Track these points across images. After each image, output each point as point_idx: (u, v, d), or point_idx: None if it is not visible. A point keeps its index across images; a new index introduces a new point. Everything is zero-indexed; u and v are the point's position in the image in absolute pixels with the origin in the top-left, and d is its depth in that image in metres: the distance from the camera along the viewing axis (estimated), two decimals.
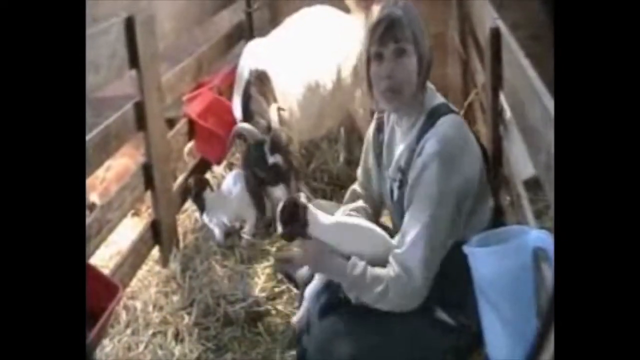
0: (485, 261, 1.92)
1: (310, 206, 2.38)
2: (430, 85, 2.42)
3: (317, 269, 2.48)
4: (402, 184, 2.36)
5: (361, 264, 2.29)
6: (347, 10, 4.32)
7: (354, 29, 4.16)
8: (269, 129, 3.34)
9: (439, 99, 2.40)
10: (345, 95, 4.07)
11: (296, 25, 4.16)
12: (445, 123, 2.27)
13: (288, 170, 3.36)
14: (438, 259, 2.22)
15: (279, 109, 3.42)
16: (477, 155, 2.31)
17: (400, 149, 2.43)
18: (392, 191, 2.45)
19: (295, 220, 2.35)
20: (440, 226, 2.20)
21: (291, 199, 2.41)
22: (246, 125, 3.37)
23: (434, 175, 2.19)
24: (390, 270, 2.25)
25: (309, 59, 3.85)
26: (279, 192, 3.30)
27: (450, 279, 2.24)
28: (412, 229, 2.23)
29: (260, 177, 3.37)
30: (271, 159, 3.29)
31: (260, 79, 3.57)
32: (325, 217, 2.39)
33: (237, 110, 3.68)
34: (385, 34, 2.27)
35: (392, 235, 2.53)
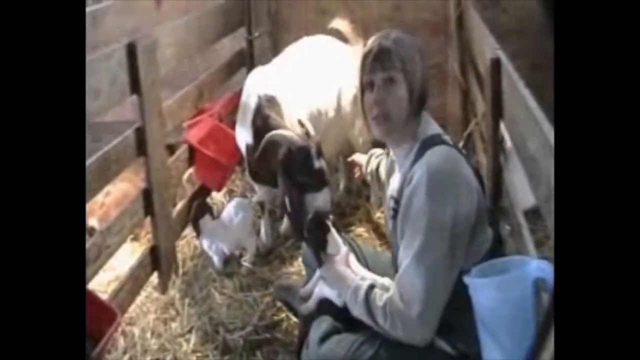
0: (486, 292, 1.91)
1: (333, 230, 2.62)
2: (427, 116, 2.44)
3: (330, 282, 2.54)
4: (395, 214, 2.36)
5: (368, 282, 2.36)
6: (345, 40, 4.36)
7: (352, 58, 4.18)
8: (307, 134, 3.30)
9: (435, 129, 2.40)
10: (345, 124, 4.08)
11: (297, 54, 4.18)
12: (434, 154, 2.27)
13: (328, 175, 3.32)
14: (439, 291, 2.20)
15: (300, 122, 3.38)
16: (470, 186, 2.27)
17: (395, 178, 2.45)
18: (388, 221, 2.47)
19: (320, 229, 2.59)
20: (432, 257, 2.18)
21: (317, 216, 2.64)
22: (282, 131, 3.27)
23: (420, 206, 2.19)
24: (391, 291, 2.27)
25: (311, 88, 3.85)
26: (322, 197, 3.25)
27: (449, 307, 2.23)
28: (405, 260, 2.24)
29: (303, 184, 3.29)
30: (317, 164, 3.24)
31: (271, 103, 3.56)
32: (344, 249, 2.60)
33: (242, 139, 3.67)
34: (374, 63, 2.34)
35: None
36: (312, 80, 3.90)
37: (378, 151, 3.06)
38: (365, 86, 2.39)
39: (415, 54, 2.37)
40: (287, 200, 3.22)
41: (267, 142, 3.25)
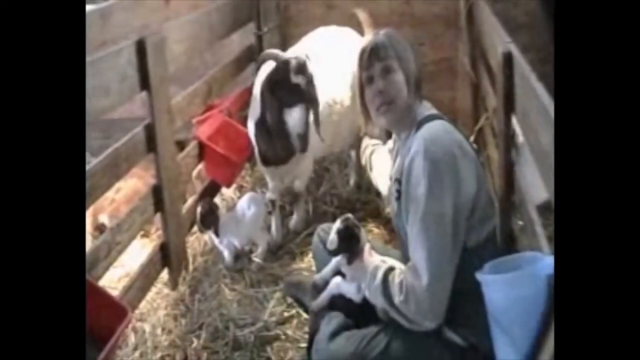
0: (498, 288, 1.91)
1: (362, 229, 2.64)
2: (426, 102, 2.56)
3: (354, 274, 2.58)
4: (399, 195, 2.40)
5: (388, 264, 2.45)
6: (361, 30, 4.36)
7: None
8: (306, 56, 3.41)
9: (431, 111, 2.52)
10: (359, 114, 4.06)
11: (312, 43, 4.18)
12: (431, 126, 2.37)
13: (309, 94, 3.37)
14: (446, 259, 2.25)
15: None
16: (468, 155, 2.35)
17: (398, 162, 2.50)
18: (393, 205, 2.52)
19: (353, 239, 2.56)
20: (437, 220, 2.24)
21: (351, 221, 2.62)
22: (271, 50, 3.47)
23: (420, 173, 2.26)
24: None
25: (326, 75, 3.81)
26: (296, 113, 3.26)
27: (459, 299, 2.25)
28: (413, 229, 2.30)
29: (280, 99, 3.34)
30: (294, 79, 3.30)
31: None
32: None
33: (253, 131, 3.69)
34: (371, 57, 2.48)
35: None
36: (327, 68, 3.87)
37: (374, 141, 3.20)
38: (365, 82, 2.51)
39: (406, 45, 2.53)
40: (268, 118, 3.28)
41: (260, 58, 3.45)
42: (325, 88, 3.79)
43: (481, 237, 2.34)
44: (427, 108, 2.52)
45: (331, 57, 3.98)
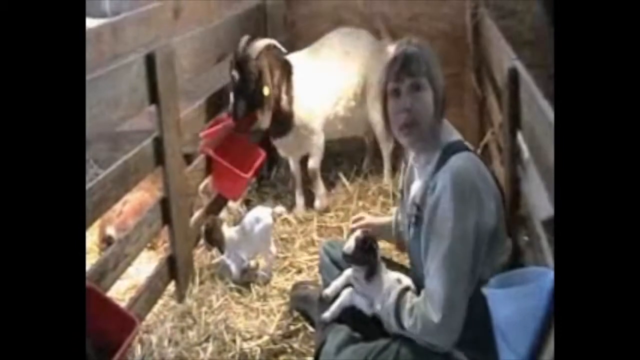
0: (505, 303, 1.91)
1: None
2: (447, 122, 2.47)
3: (364, 290, 2.57)
4: (417, 220, 2.38)
5: (403, 285, 2.44)
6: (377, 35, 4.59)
7: (382, 50, 4.32)
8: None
9: (456, 135, 2.44)
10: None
11: (328, 40, 4.65)
12: (458, 159, 2.30)
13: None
14: (462, 297, 2.23)
15: None
16: (492, 191, 2.33)
17: (416, 185, 2.45)
18: (409, 228, 2.48)
19: (370, 252, 2.55)
20: (459, 259, 2.22)
21: (370, 233, 2.62)
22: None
23: (447, 209, 2.23)
24: (421, 296, 2.33)
25: (335, 70, 4.39)
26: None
27: (469, 326, 2.25)
28: (432, 263, 2.27)
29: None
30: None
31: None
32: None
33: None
34: (401, 70, 2.35)
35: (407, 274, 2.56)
36: (336, 64, 4.44)
37: None
38: (390, 93, 2.39)
39: (436, 60, 2.42)
40: None
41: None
42: (333, 81, 4.40)
43: (494, 269, 2.32)
44: (449, 131, 2.44)
45: (342, 54, 4.50)
